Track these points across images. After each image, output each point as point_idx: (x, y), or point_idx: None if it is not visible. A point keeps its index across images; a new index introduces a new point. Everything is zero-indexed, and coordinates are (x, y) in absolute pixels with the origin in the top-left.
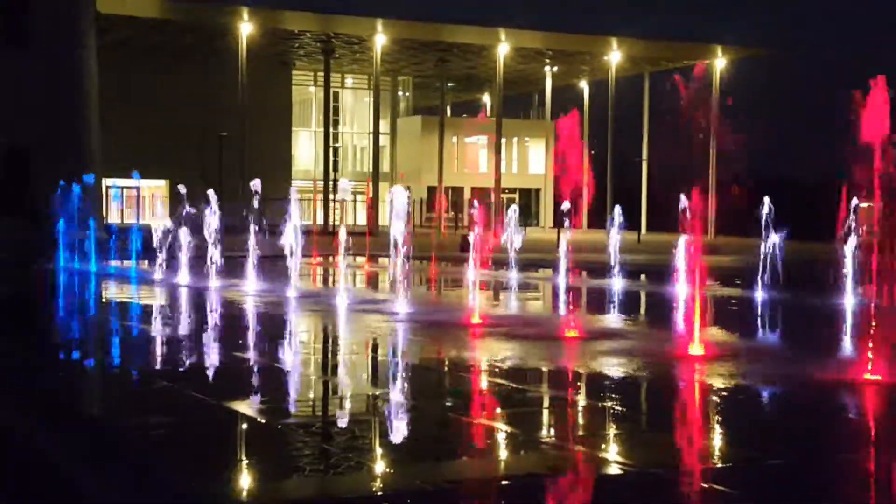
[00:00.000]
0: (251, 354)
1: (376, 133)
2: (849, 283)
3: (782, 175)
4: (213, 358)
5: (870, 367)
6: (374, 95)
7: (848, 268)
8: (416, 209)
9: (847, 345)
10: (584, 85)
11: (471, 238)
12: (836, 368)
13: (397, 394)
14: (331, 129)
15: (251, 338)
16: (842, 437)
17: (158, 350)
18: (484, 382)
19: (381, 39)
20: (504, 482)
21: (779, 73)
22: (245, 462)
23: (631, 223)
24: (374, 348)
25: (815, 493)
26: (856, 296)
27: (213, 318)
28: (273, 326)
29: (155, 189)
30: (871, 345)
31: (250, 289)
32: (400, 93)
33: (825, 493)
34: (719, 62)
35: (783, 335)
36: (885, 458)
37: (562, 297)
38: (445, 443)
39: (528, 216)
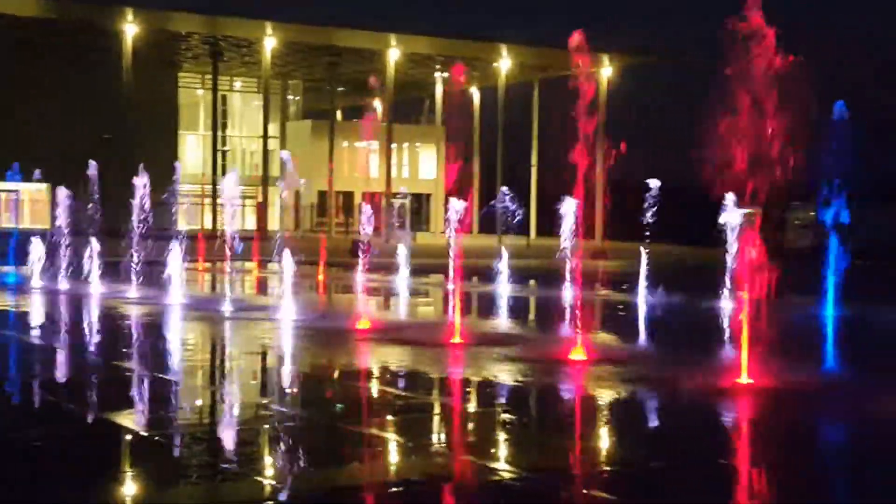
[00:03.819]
0: (132, 364)
1: (266, 137)
2: (727, 287)
3: (670, 180)
4: (91, 368)
5: (743, 372)
6: (264, 99)
7: (731, 272)
8: (306, 213)
9: (724, 349)
10: (474, 91)
11: (362, 243)
12: (712, 373)
13: (283, 402)
14: (219, 133)
15: (132, 347)
16: (715, 439)
17: (34, 360)
18: (370, 389)
19: (270, 42)
20: (391, 489)
21: (667, 79)
22: (128, 474)
23: (521, 228)
24: (260, 356)
25: (691, 494)
26: (736, 300)
27: (93, 326)
28: (156, 335)
29: (36, 192)
30: (744, 349)
31: (133, 295)
32: (290, 96)
33: (701, 493)
34: (607, 69)
35: (665, 339)
36: (754, 459)
37: (450, 302)
38: (331, 450)
39: (419, 221)
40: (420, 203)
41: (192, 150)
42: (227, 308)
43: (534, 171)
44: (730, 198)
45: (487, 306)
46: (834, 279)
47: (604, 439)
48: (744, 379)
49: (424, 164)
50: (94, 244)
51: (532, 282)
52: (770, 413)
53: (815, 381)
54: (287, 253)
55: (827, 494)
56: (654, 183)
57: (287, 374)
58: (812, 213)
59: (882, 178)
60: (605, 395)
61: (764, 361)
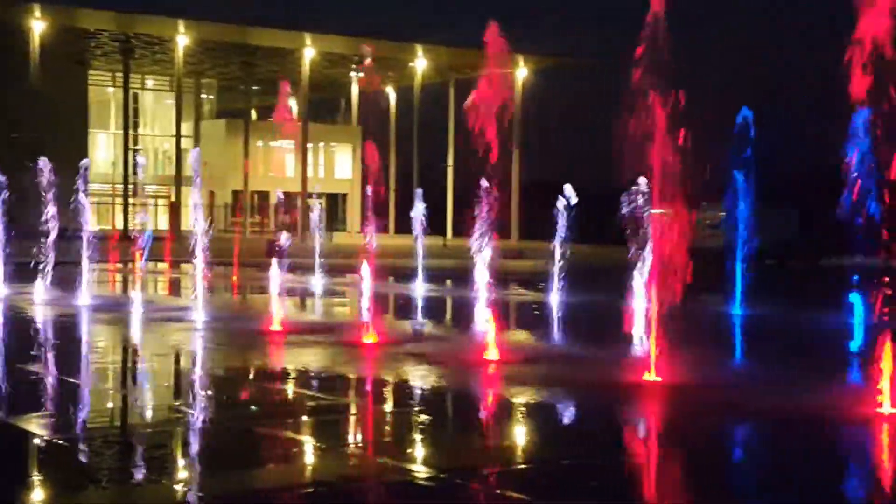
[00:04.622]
0: (39, 367)
1: (178, 136)
2: (640, 287)
3: (586, 181)
4: None
5: (651, 369)
6: (177, 97)
7: (641, 271)
8: (221, 213)
9: (634, 347)
10: (390, 90)
11: (278, 242)
12: (621, 371)
13: (194, 404)
14: (130, 132)
15: (39, 349)
16: (624, 436)
17: None
18: (283, 391)
19: (183, 40)
20: (304, 490)
21: (584, 80)
22: (34, 479)
23: (438, 228)
24: (171, 358)
25: (601, 491)
26: (644, 299)
27: None
28: (64, 337)
29: None
30: (655, 347)
31: (41, 297)
32: (204, 95)
33: (611, 489)
34: (521, 71)
35: (577, 338)
36: (662, 454)
37: (365, 302)
38: (243, 453)
39: (336, 221)
40: (336, 202)
41: (103, 149)
42: (137, 309)
43: (450, 171)
44: (636, 197)
45: (403, 306)
46: (741, 279)
47: (516, 438)
48: (652, 376)
49: (340, 163)
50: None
51: (448, 282)
52: (676, 410)
53: (721, 378)
54: (200, 253)
55: (730, 487)
56: (567, 184)
57: (198, 376)
58: (721, 214)
59: (787, 180)
60: (517, 394)
61: (672, 359)
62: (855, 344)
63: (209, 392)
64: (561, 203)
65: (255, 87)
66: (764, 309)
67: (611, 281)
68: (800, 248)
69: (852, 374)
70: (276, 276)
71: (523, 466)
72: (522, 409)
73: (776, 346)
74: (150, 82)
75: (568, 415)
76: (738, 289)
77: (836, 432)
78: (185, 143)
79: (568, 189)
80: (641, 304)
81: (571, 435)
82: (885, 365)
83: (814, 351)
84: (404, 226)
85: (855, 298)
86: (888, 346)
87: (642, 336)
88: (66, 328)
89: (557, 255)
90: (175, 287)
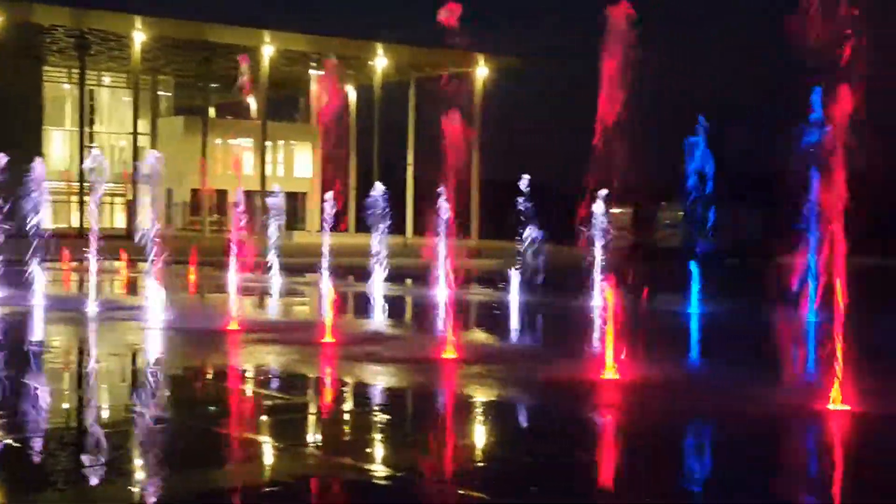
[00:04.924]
0: None
1: (135, 133)
2: (597, 286)
3: (546, 181)
4: None
5: (608, 367)
6: (134, 95)
7: (600, 271)
8: (179, 212)
9: (592, 346)
10: (350, 89)
11: (235, 242)
12: (578, 369)
13: (151, 405)
14: (86, 129)
15: None
16: (582, 433)
17: None
18: (240, 391)
19: (140, 37)
20: (261, 490)
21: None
22: None
23: (398, 227)
24: (127, 358)
25: (560, 488)
26: (604, 298)
27: None
28: (18, 337)
29: None
30: (610, 346)
31: None
32: (161, 92)
33: (569, 486)
34: (481, 70)
35: (536, 337)
36: (619, 451)
37: (325, 301)
38: (200, 453)
39: (295, 220)
40: (295, 201)
41: (58, 146)
42: (93, 309)
43: (410, 169)
44: (599, 197)
45: (362, 305)
46: (699, 277)
47: (474, 436)
48: (609, 374)
49: (300, 162)
50: None
51: (407, 281)
52: (633, 406)
53: (677, 376)
54: (158, 252)
55: (687, 482)
56: (524, 183)
57: (154, 376)
58: (680, 213)
59: (744, 180)
60: (475, 394)
61: (630, 357)
62: (801, 340)
63: (166, 392)
64: (521, 202)
65: (213, 85)
66: (719, 307)
67: (570, 279)
68: (761, 246)
69: (798, 371)
70: (234, 275)
71: (482, 465)
72: (481, 407)
73: (731, 344)
74: (106, 79)
75: (526, 413)
76: (695, 287)
77: (781, 428)
78: (143, 140)
79: (523, 184)
80: (599, 304)
81: (530, 433)
82: (834, 362)
83: (763, 348)
84: (365, 224)
85: (807, 296)
86: (837, 345)
87: (601, 334)
88: (20, 328)
89: (517, 254)
90: (132, 286)
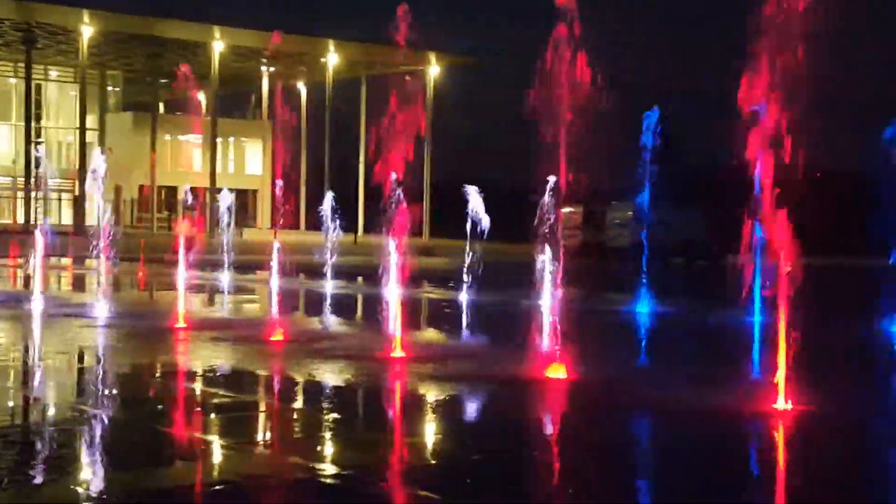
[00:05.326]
0: None
1: (83, 129)
2: (548, 285)
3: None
4: None
5: (555, 365)
6: (81, 89)
7: (550, 270)
8: (127, 208)
9: (540, 344)
10: (302, 86)
11: (184, 239)
12: (527, 368)
13: (97, 403)
14: (33, 124)
15: None
16: (529, 432)
17: None
18: (188, 389)
19: (87, 31)
20: (209, 489)
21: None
22: None
23: (349, 225)
24: (73, 356)
25: (507, 486)
26: (554, 297)
27: None
28: None
29: None
30: (557, 344)
31: None
32: (110, 87)
33: (516, 484)
34: (433, 69)
35: (485, 336)
36: (564, 449)
37: (274, 299)
38: (148, 452)
39: (246, 217)
40: (246, 199)
41: (3, 141)
42: (38, 306)
43: (361, 167)
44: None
45: (311, 303)
46: (648, 277)
47: (424, 435)
48: (558, 373)
49: (250, 159)
50: None
51: (358, 279)
52: (581, 404)
53: (625, 374)
54: (106, 249)
55: (624, 479)
56: (473, 184)
57: (101, 374)
58: (630, 213)
59: (693, 180)
60: (424, 392)
61: (577, 356)
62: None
63: (112, 390)
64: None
65: (162, 80)
66: (666, 306)
67: (520, 278)
68: (706, 246)
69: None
70: (183, 272)
71: (432, 463)
72: (430, 405)
73: (676, 343)
74: (53, 73)
75: (475, 411)
76: (643, 287)
77: (725, 427)
78: (90, 136)
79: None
80: (547, 303)
81: (478, 431)
82: (777, 363)
83: (708, 347)
84: (315, 222)
85: (752, 296)
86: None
87: (547, 334)
88: None
89: (469, 253)
90: (78, 283)
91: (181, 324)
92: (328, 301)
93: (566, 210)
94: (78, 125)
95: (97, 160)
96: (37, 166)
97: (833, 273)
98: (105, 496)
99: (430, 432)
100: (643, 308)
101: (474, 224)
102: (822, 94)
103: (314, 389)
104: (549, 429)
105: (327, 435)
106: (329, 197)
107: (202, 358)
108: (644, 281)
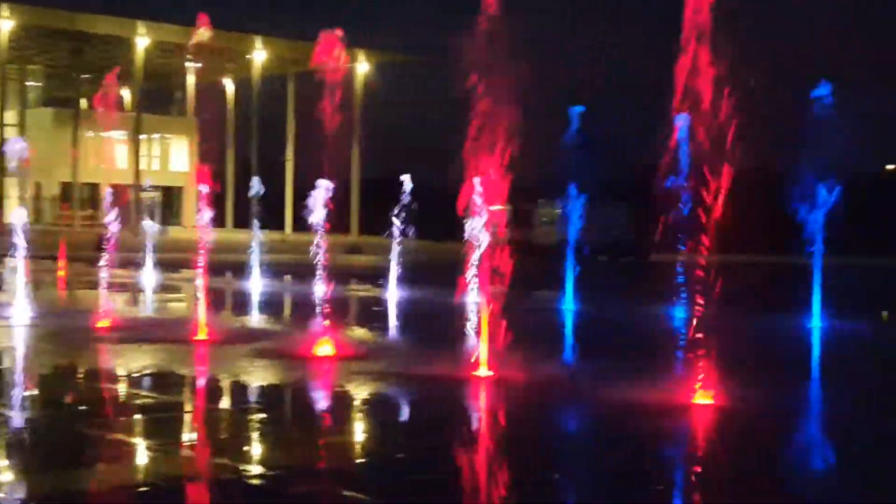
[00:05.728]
0: None
1: (2, 125)
2: (473, 283)
3: (425, 177)
4: None
5: (481, 363)
6: (0, 84)
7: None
8: (48, 206)
9: (467, 343)
10: (228, 82)
11: (107, 237)
12: (455, 366)
13: (16, 405)
14: None
15: None
16: (457, 429)
17: None
18: (110, 390)
19: (7, 24)
20: (131, 490)
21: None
22: None
23: (278, 222)
24: None
25: (435, 483)
26: (481, 295)
27: None
28: None
29: None
30: (485, 342)
31: None
32: (30, 82)
33: (444, 481)
34: (362, 66)
35: (413, 334)
36: (495, 446)
37: (198, 298)
38: (68, 454)
39: (171, 215)
40: (171, 196)
41: None
42: None
43: (289, 165)
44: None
45: (238, 302)
46: (573, 275)
47: (351, 434)
48: (484, 371)
49: (175, 156)
50: None
51: (286, 277)
52: (507, 402)
53: (550, 372)
54: (24, 247)
55: (559, 471)
56: (406, 179)
57: (20, 375)
58: (557, 211)
59: (619, 179)
60: (352, 391)
61: (504, 354)
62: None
63: (32, 392)
64: (402, 198)
65: (85, 76)
66: (589, 304)
67: (448, 276)
68: (630, 244)
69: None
70: (105, 271)
71: (359, 462)
72: (358, 404)
73: (599, 340)
74: None
75: (403, 410)
76: (568, 285)
77: (649, 420)
78: (10, 132)
79: (405, 181)
80: (474, 301)
81: (406, 430)
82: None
83: (633, 344)
84: (242, 220)
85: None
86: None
87: (475, 332)
88: None
89: (396, 251)
90: None
91: (104, 323)
92: (255, 299)
93: (494, 208)
94: None
95: (12, 150)
96: None
97: (740, 269)
98: (23, 499)
99: (356, 431)
100: (564, 305)
101: (389, 222)
102: (745, 94)
103: (240, 389)
104: (476, 426)
105: (254, 435)
106: (256, 181)
107: (126, 358)
108: (566, 278)
